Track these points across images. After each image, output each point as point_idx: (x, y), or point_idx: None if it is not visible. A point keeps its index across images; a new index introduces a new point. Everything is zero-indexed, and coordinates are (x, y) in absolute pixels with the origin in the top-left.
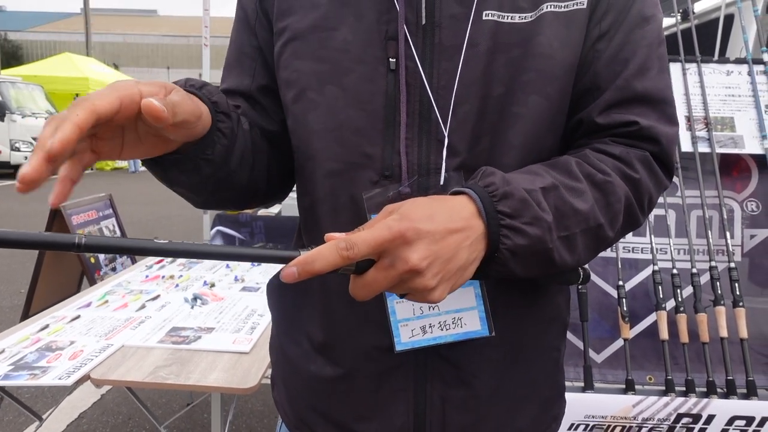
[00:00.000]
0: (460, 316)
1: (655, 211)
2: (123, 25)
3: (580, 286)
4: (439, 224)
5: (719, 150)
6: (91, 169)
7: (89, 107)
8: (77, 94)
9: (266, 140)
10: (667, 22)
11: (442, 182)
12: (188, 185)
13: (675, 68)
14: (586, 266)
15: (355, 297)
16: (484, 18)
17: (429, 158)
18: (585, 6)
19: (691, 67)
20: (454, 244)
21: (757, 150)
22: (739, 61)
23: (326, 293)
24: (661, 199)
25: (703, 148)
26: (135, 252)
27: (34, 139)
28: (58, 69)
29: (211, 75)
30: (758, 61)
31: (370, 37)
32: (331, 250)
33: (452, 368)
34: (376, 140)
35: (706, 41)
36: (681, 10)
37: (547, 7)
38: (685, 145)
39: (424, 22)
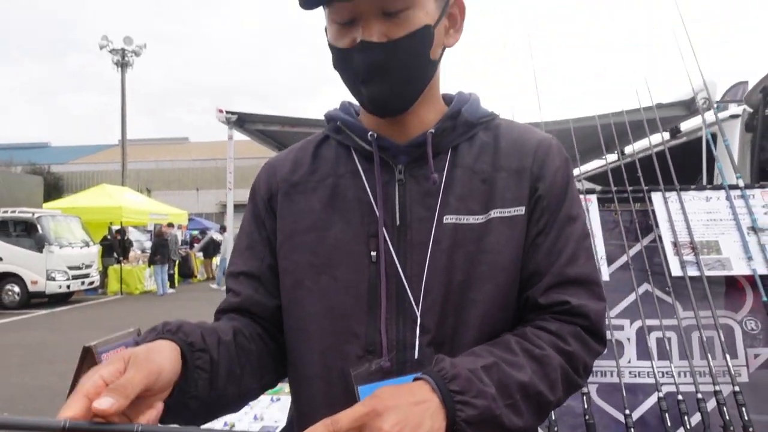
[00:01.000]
0: None
1: (655, 334)
2: (156, 153)
3: (586, 416)
4: (404, 400)
5: (708, 273)
6: (121, 294)
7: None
8: (111, 223)
9: (266, 321)
10: (642, 144)
11: (416, 356)
12: (181, 422)
13: (657, 197)
14: None
15: None
16: (444, 222)
17: (405, 335)
18: (524, 213)
19: (672, 195)
20: (419, 413)
21: (745, 271)
22: (717, 187)
23: None
24: (657, 321)
25: (692, 271)
26: None
27: (69, 267)
28: (95, 200)
29: (236, 194)
30: (734, 187)
31: (355, 236)
32: (321, 426)
33: None
34: (361, 320)
35: (693, 159)
36: (670, 129)
37: (494, 213)
38: (675, 270)
39: (398, 223)
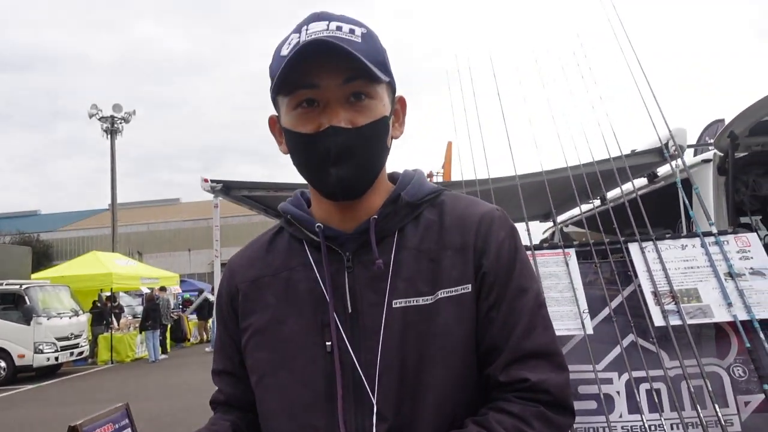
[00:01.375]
0: None
1: (644, 386)
2: (147, 215)
3: None
4: None
5: (690, 321)
6: (111, 362)
7: None
8: (101, 290)
9: (251, 413)
10: (617, 194)
11: None
12: None
13: (634, 248)
14: None
15: None
16: (394, 306)
17: (364, 424)
18: (470, 289)
19: (648, 245)
20: None
21: (726, 317)
22: (691, 235)
23: None
24: (643, 373)
25: (674, 320)
26: None
27: (57, 339)
28: (85, 267)
29: (222, 253)
30: (708, 234)
31: (309, 327)
32: None
33: None
34: (320, 412)
35: (674, 203)
36: (647, 174)
37: (441, 294)
38: (657, 320)
39: (350, 310)
